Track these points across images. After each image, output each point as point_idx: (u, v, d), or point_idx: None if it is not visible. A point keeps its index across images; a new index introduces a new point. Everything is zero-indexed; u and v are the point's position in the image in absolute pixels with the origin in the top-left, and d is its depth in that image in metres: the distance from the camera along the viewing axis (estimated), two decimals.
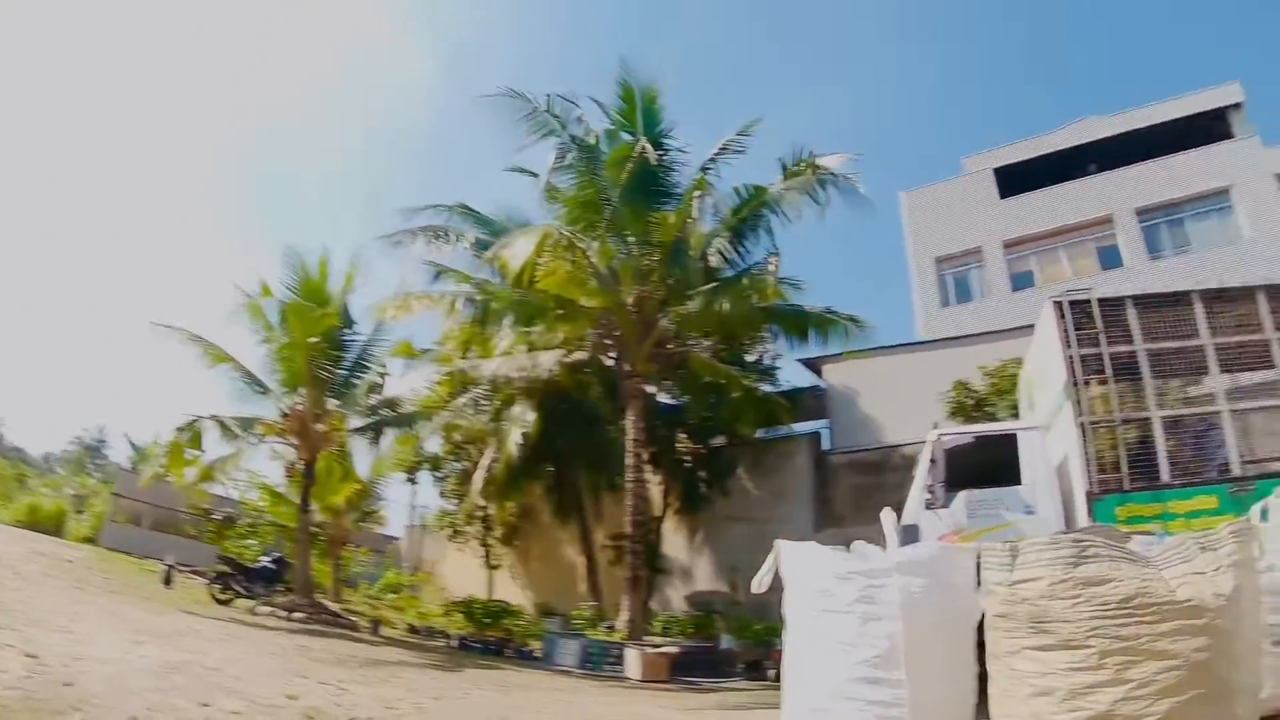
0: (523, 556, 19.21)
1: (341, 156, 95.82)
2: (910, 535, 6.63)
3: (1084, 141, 19.95)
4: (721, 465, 17.22)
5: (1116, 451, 6.53)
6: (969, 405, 12.63)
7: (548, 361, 14.41)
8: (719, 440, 17.47)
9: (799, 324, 14.54)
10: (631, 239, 13.69)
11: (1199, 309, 6.82)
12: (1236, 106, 19.37)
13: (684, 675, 10.73)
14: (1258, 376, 6.82)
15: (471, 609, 14.07)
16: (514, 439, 15.00)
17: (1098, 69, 53.58)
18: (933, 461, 6.97)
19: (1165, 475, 6.34)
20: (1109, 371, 6.75)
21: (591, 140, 13.89)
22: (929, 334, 18.80)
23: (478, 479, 16.00)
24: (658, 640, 12.13)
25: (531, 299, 13.65)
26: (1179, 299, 6.86)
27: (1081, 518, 6.43)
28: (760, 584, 5.64)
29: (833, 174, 12.81)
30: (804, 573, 5.12)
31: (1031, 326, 15.14)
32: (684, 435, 17.35)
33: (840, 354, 15.75)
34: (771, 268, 13.80)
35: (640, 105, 13.25)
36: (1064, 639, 3.44)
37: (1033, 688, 3.51)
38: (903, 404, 16.14)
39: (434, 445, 18.24)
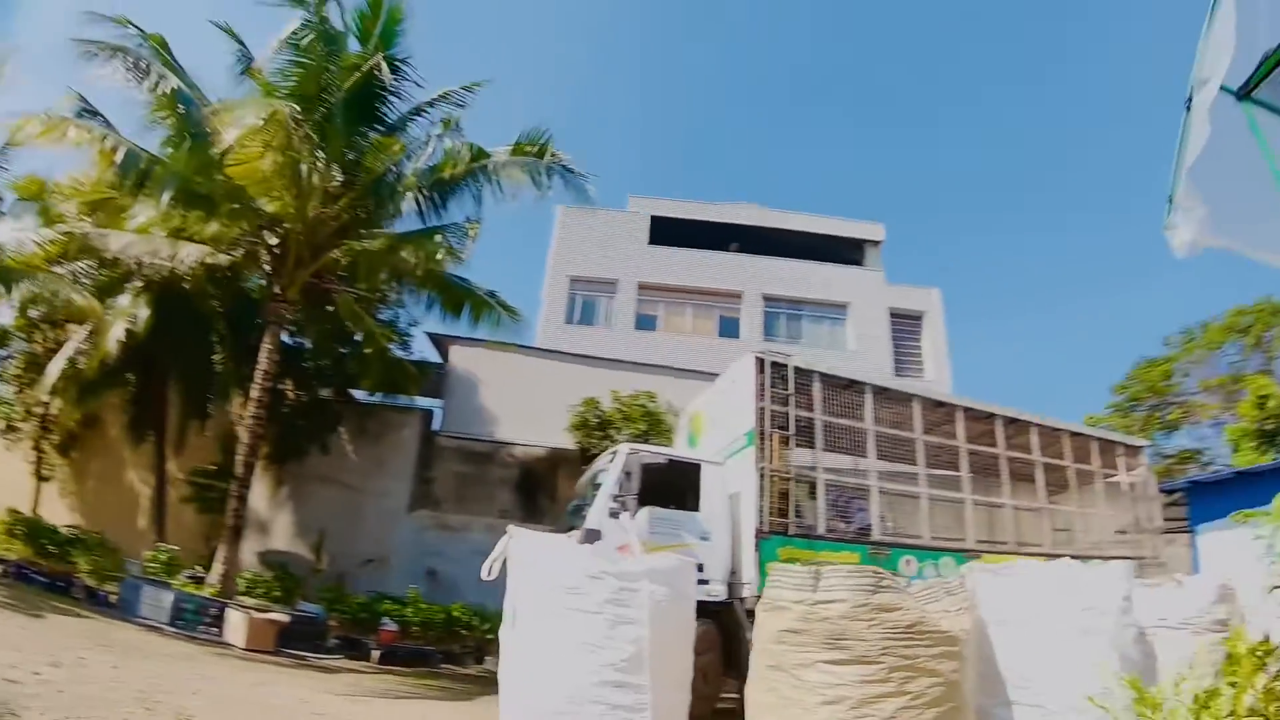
0: (79, 473, 15.34)
1: None
2: (591, 539, 6.83)
3: (739, 221, 23.02)
4: (326, 419, 15.41)
5: (785, 500, 7.74)
6: (593, 423, 13.57)
7: (190, 256, 11.30)
8: (327, 392, 15.65)
9: (459, 298, 13.91)
10: (337, 154, 11.70)
11: (868, 398, 8.64)
12: (875, 243, 23.53)
13: (285, 646, 9.30)
14: (901, 465, 8.86)
15: (38, 531, 11.60)
16: (116, 334, 11.46)
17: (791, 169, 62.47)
18: (627, 474, 7.30)
19: (821, 528, 7.75)
20: (791, 429, 8.02)
21: (334, 32, 11.61)
22: (546, 344, 19.57)
23: (54, 369, 12.16)
24: (258, 603, 10.31)
25: (212, 182, 10.97)
26: (855, 385, 8.58)
27: (748, 552, 7.40)
28: (490, 571, 5.14)
29: (565, 164, 12.80)
30: (548, 566, 4.94)
31: (652, 364, 17.47)
32: (293, 379, 15.04)
33: (475, 339, 15.59)
34: (471, 234, 13.10)
35: (383, 20, 11.71)
36: (859, 655, 3.91)
37: (822, 697, 3.87)
38: (521, 405, 16.65)
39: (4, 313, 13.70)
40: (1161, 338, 34.14)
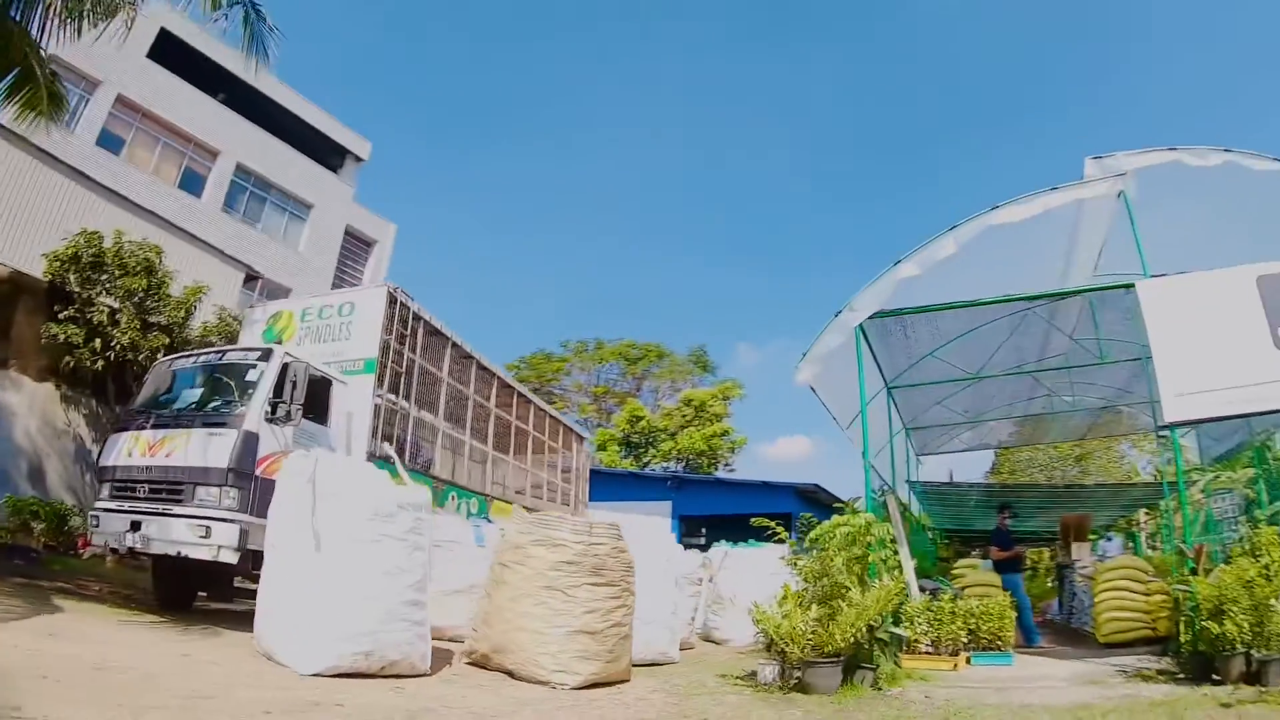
0: None
1: None
2: (250, 443, 6.58)
3: (243, 76, 19.02)
4: None
5: (390, 428, 8.47)
6: (86, 260, 10.30)
7: None
8: None
9: None
10: None
11: (448, 351, 9.89)
12: (359, 158, 23.70)
13: None
14: (456, 415, 10.15)
15: None
16: None
17: None
18: (292, 383, 6.98)
19: (406, 458, 8.61)
20: (403, 367, 8.83)
21: None
22: None
23: None
24: None
25: None
26: (440, 335, 9.66)
27: None
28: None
29: None
30: (359, 495, 5.25)
31: (109, 189, 13.66)
32: None
33: None
34: None
35: None
36: (609, 580, 5.91)
37: (586, 607, 5.71)
38: None
39: None
40: (560, 340, 43.68)
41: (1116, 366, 9.24)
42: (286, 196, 21.14)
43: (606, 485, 19.96)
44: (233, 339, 11.36)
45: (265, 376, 6.92)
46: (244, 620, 7.27)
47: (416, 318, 9.25)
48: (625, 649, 6.06)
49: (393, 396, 8.72)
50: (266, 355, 7.15)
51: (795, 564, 7.54)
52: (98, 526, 6.76)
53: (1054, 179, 9.06)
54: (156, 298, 10.60)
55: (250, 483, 6.42)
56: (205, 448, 6.42)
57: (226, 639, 5.90)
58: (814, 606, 6.36)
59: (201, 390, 7.26)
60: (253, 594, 8.66)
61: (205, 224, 17.33)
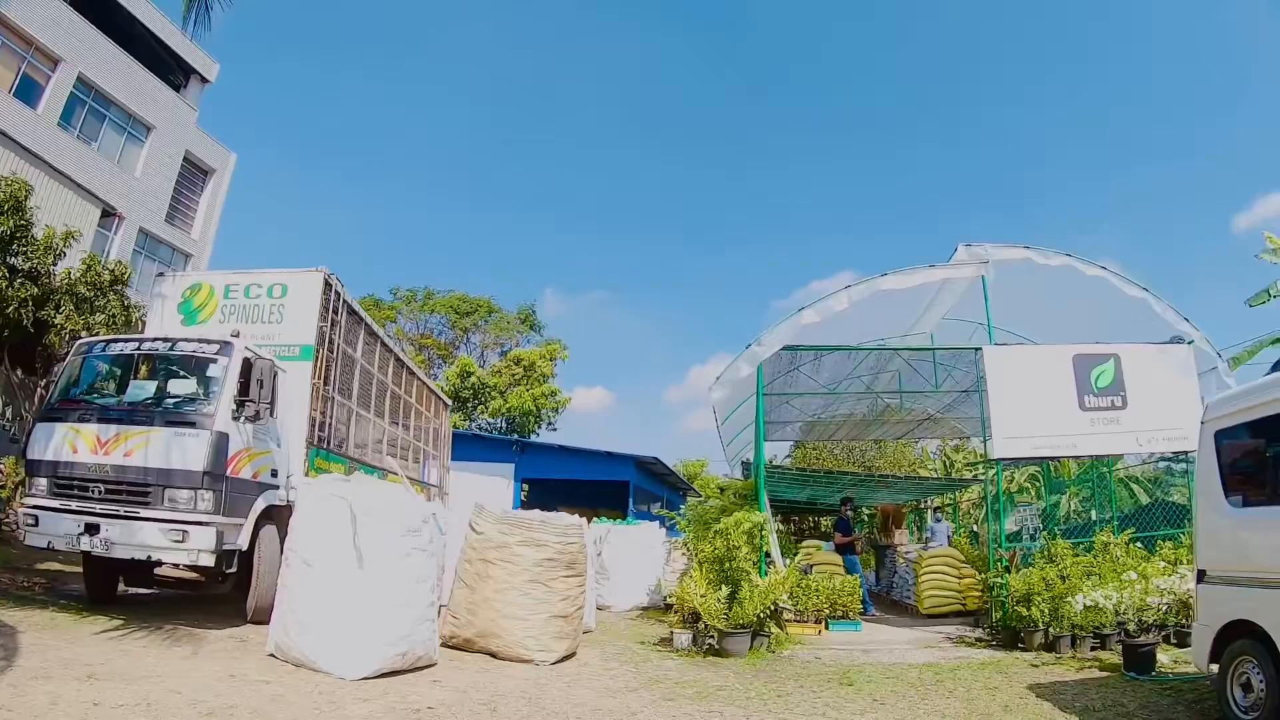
0: None
1: None
2: (222, 444, 6.64)
3: None
4: None
5: (324, 415, 8.61)
6: None
7: None
8: None
9: None
10: None
11: (362, 333, 10.01)
12: (204, 79, 21.32)
13: None
14: (365, 397, 10.21)
15: None
16: None
17: None
18: (259, 381, 6.96)
19: (330, 443, 8.77)
20: (336, 353, 8.94)
21: None
22: None
23: None
24: None
25: None
26: (357, 317, 9.73)
27: (299, 460, 7.96)
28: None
29: None
30: (393, 513, 5.85)
31: None
32: None
33: None
34: None
35: None
36: (579, 571, 7.05)
37: (562, 596, 6.82)
38: None
39: None
40: (390, 288, 41.03)
41: (940, 395, 11.82)
42: (127, 115, 18.93)
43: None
44: (100, 290, 10.33)
45: (229, 373, 6.82)
46: (181, 610, 7.33)
47: (344, 303, 9.28)
48: (581, 624, 7.24)
49: (324, 383, 8.82)
50: (225, 349, 6.97)
51: (696, 548, 9.15)
52: (35, 526, 6.28)
53: None
54: (23, 241, 9.32)
55: (223, 484, 6.43)
56: (174, 449, 6.27)
57: (227, 644, 6.02)
58: (723, 586, 7.97)
59: (154, 383, 6.92)
60: (173, 582, 8.55)
61: (43, 140, 14.95)
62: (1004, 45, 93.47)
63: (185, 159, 20.59)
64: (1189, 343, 9.76)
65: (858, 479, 15.37)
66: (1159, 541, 9.04)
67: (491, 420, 37.09)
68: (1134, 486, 16.82)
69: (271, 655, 5.60)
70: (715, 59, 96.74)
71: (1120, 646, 7.03)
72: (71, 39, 16.92)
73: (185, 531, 6.19)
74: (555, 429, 38.74)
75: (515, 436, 30.46)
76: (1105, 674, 6.75)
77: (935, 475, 24.69)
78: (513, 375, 36.86)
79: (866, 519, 18.69)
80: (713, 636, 7.69)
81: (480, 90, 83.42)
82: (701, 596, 7.77)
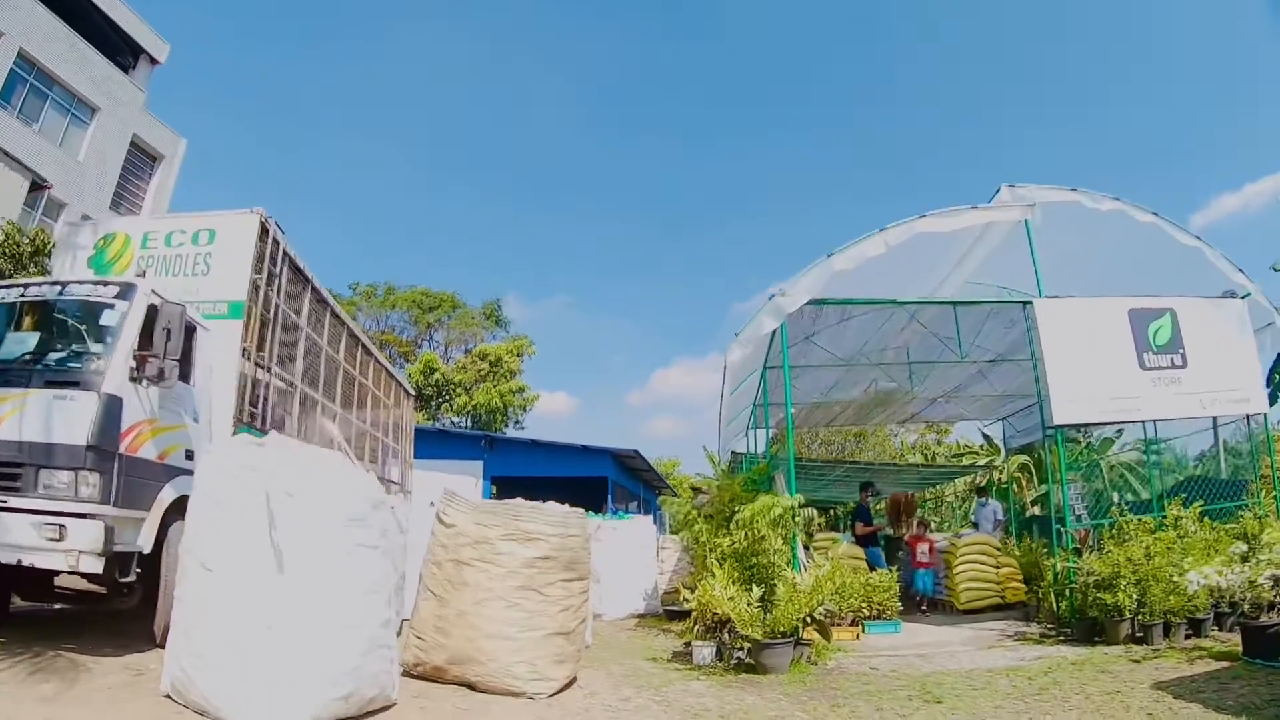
0: None
1: None
2: (113, 409, 5.00)
3: None
4: None
5: (255, 388, 6.92)
6: None
7: None
8: None
9: None
10: None
11: (308, 295, 8.34)
12: (154, 60, 20.20)
13: None
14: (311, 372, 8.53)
15: None
16: None
17: None
18: (166, 331, 5.35)
19: (262, 421, 7.09)
20: (273, 314, 7.28)
21: None
22: None
23: None
24: None
25: None
26: (302, 277, 8.05)
27: (221, 439, 6.32)
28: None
29: None
30: (328, 494, 4.20)
31: None
32: None
33: None
34: None
35: None
36: (581, 573, 5.51)
37: (560, 605, 5.27)
38: None
39: None
40: (350, 283, 38.80)
41: (964, 365, 10.58)
42: (71, 96, 17.64)
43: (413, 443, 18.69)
44: (19, 261, 8.64)
45: (128, 320, 5.20)
46: (83, 632, 5.62)
47: (284, 254, 7.64)
48: (583, 641, 5.72)
49: (258, 348, 7.15)
50: (126, 292, 5.34)
51: (711, 543, 7.69)
52: None
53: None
54: None
55: (114, 463, 4.79)
56: (51, 416, 4.62)
57: (114, 680, 4.34)
58: (754, 587, 6.53)
59: (36, 335, 5.27)
60: (75, 596, 6.72)
61: None
62: (962, 45, 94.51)
63: (132, 143, 19.28)
64: (1244, 296, 8.77)
65: (871, 468, 14.11)
66: (1235, 513, 7.80)
67: (457, 419, 35.15)
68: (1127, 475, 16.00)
69: (168, 696, 3.98)
70: (685, 58, 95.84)
71: (1240, 630, 5.79)
72: (12, 10, 15.53)
73: (61, 526, 4.52)
74: (523, 427, 37.01)
75: (472, 428, 28.70)
76: (1224, 664, 5.54)
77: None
78: (479, 371, 35.01)
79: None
80: (743, 649, 6.26)
81: (444, 79, 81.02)
82: (731, 600, 6.33)
